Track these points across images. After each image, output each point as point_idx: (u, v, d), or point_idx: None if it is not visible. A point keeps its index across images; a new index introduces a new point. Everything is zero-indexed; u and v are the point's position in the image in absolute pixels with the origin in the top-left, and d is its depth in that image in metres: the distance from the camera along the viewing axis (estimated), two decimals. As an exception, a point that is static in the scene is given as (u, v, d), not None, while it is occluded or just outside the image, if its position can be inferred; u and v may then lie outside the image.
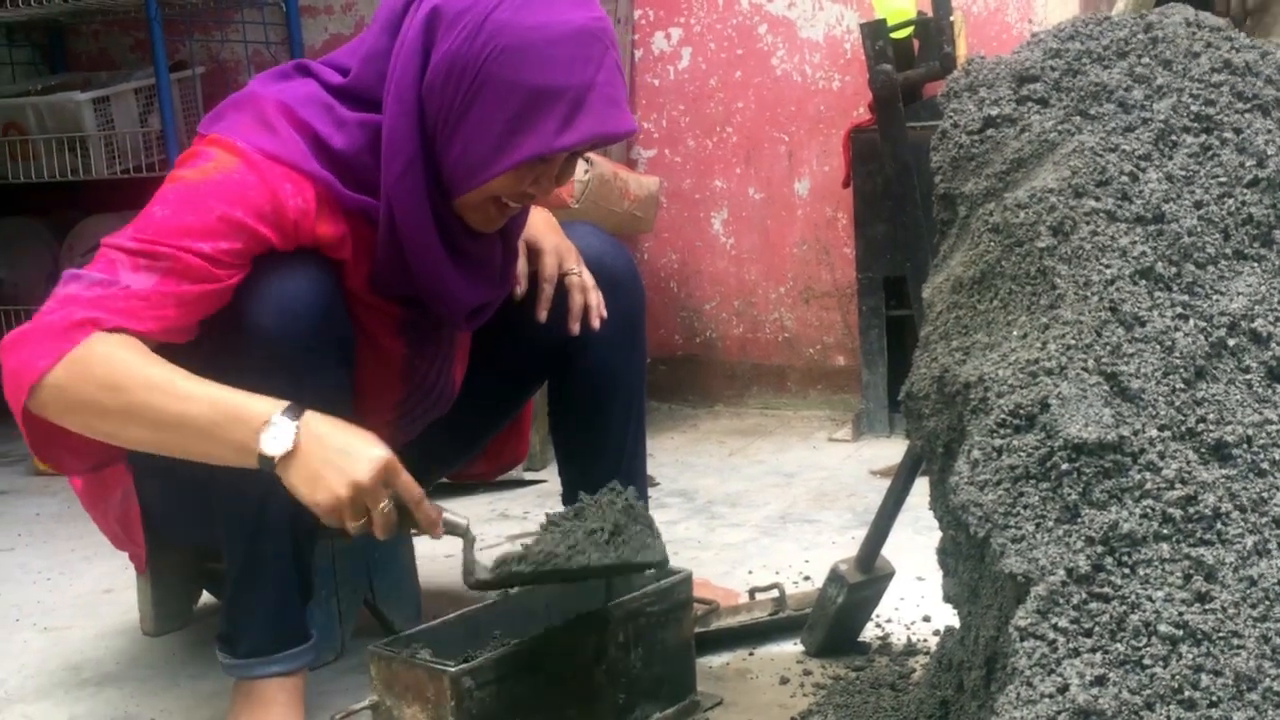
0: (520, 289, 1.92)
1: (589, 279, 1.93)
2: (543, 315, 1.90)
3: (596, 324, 1.91)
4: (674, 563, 2.20)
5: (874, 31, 3.04)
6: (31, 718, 1.92)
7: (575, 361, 1.96)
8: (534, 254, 1.94)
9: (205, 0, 3.57)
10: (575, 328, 1.90)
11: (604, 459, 2.01)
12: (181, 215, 1.59)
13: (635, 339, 2.00)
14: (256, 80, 1.74)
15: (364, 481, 1.48)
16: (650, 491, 2.20)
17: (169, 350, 1.57)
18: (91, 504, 1.93)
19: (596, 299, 1.92)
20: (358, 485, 1.48)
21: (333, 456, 1.49)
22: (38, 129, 3.65)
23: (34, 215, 4.06)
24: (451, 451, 2.08)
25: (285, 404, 1.51)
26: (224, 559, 1.74)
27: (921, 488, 1.62)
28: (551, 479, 2.98)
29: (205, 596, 2.23)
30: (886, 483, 2.87)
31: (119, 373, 1.50)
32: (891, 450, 3.10)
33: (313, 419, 1.51)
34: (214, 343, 1.62)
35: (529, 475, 3.07)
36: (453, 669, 1.52)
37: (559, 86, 1.58)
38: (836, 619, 1.92)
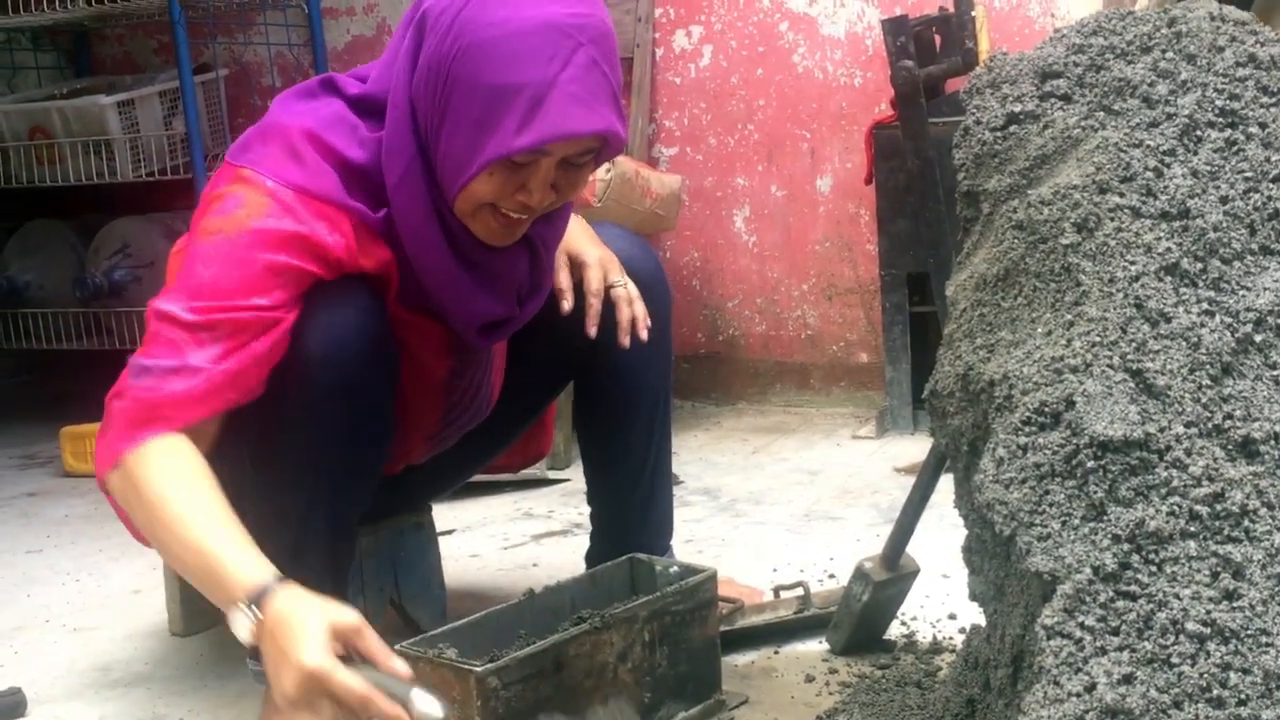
0: (567, 304, 1.87)
1: (633, 289, 1.89)
2: (592, 331, 1.86)
3: (645, 336, 1.88)
4: (698, 561, 2.20)
5: (896, 28, 3.04)
6: (61, 718, 1.93)
7: (602, 361, 1.96)
8: (577, 266, 1.89)
9: (228, 3, 3.59)
10: (626, 341, 1.87)
11: (630, 459, 2.01)
12: (229, 273, 1.56)
13: (662, 340, 2.00)
14: (281, 101, 1.71)
15: (289, 695, 1.35)
16: (674, 490, 2.20)
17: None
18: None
19: (642, 310, 1.89)
20: (286, 698, 1.36)
21: (274, 660, 1.38)
22: (63, 133, 3.68)
23: (60, 218, 4.09)
24: (480, 453, 2.09)
25: (257, 583, 1.43)
26: None
27: (946, 485, 1.61)
28: (575, 478, 2.98)
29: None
30: (911, 480, 2.87)
31: (149, 496, 1.51)
32: (915, 447, 3.09)
33: (274, 608, 1.40)
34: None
35: (552, 474, 3.08)
36: (479, 668, 1.52)
37: (516, 84, 1.52)
38: (862, 617, 1.92)
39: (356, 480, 1.75)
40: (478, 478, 2.32)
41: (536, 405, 2.09)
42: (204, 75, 3.71)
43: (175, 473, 1.53)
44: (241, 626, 1.43)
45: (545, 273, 1.83)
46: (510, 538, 2.66)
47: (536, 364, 2.00)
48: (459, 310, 1.73)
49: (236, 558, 1.46)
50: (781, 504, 2.80)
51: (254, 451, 1.69)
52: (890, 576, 1.91)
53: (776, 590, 2.07)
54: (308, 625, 1.37)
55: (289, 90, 1.74)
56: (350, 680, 1.33)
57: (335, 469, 1.70)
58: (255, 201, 1.60)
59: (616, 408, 1.99)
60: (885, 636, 1.99)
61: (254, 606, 1.42)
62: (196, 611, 2.19)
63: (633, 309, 1.88)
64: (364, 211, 1.64)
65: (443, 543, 2.21)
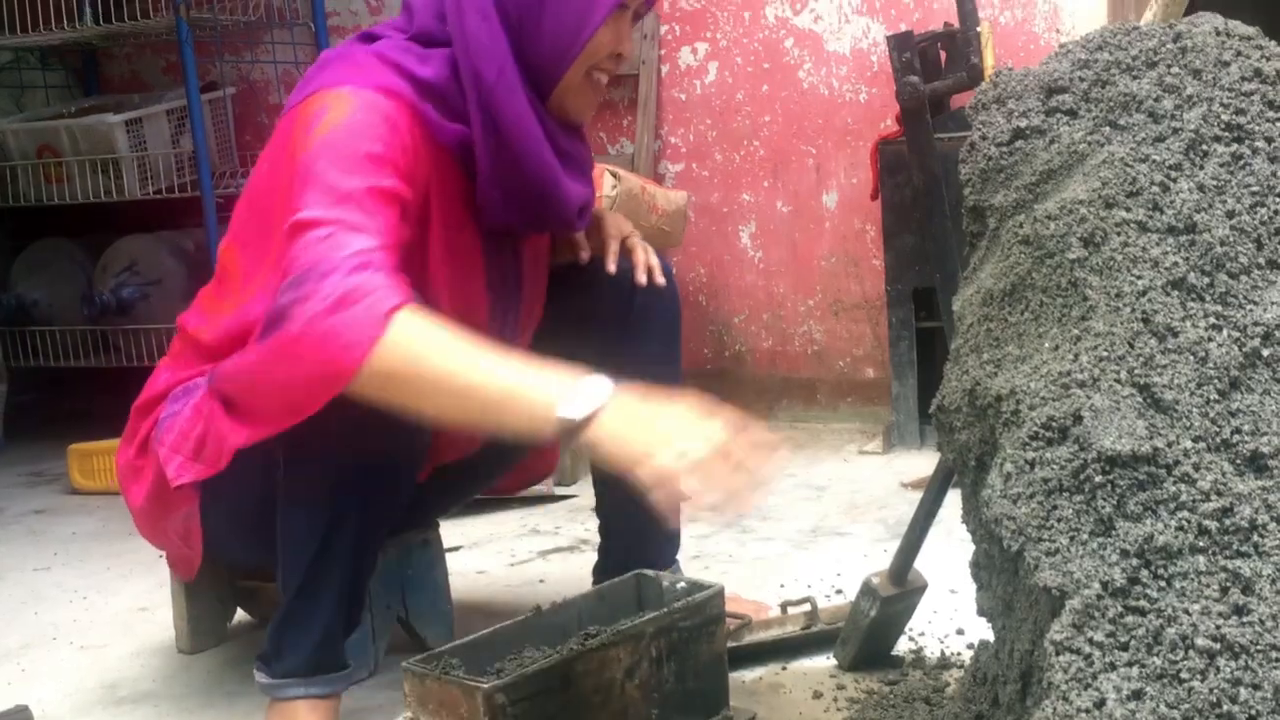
0: (585, 254, 2.00)
1: (648, 246, 2.03)
2: (612, 267, 1.98)
3: (662, 281, 1.99)
4: (705, 577, 2.20)
5: (901, 43, 3.05)
6: (69, 736, 1.94)
7: (612, 371, 1.97)
8: (595, 225, 2.01)
9: (235, 22, 3.61)
10: (643, 278, 1.98)
11: None
12: (340, 166, 1.60)
13: (672, 349, 2.02)
14: (328, 52, 1.82)
15: (700, 451, 1.38)
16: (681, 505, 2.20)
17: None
18: (150, 522, 1.94)
19: (656, 261, 2.01)
20: (690, 456, 1.38)
21: (654, 442, 1.41)
22: (71, 151, 3.70)
23: (68, 236, 4.10)
24: (489, 468, 2.10)
25: (554, 383, 1.46)
26: (280, 580, 1.75)
27: (954, 500, 1.61)
28: (582, 494, 2.98)
29: (240, 614, 2.24)
30: (918, 495, 2.86)
31: (426, 367, 1.46)
32: (923, 462, 3.09)
33: (617, 402, 1.45)
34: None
35: (559, 490, 3.07)
36: (486, 685, 1.52)
37: None
38: (870, 633, 1.91)
39: (387, 502, 1.75)
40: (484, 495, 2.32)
41: None
42: (211, 94, 3.73)
43: (438, 340, 1.48)
44: (579, 406, 1.41)
45: (592, 162, 1.96)
46: (517, 554, 2.66)
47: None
48: (560, 195, 1.80)
49: (523, 383, 1.45)
50: (789, 519, 2.80)
51: (288, 460, 1.69)
52: (898, 592, 1.90)
53: (784, 606, 2.07)
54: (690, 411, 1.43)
55: (336, 46, 1.84)
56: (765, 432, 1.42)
57: (367, 489, 1.71)
58: (339, 104, 1.66)
59: None
60: (893, 652, 1.98)
61: (572, 382, 1.43)
62: (204, 629, 2.19)
63: (648, 256, 2.00)
64: (430, 114, 1.71)
65: (450, 559, 2.20)
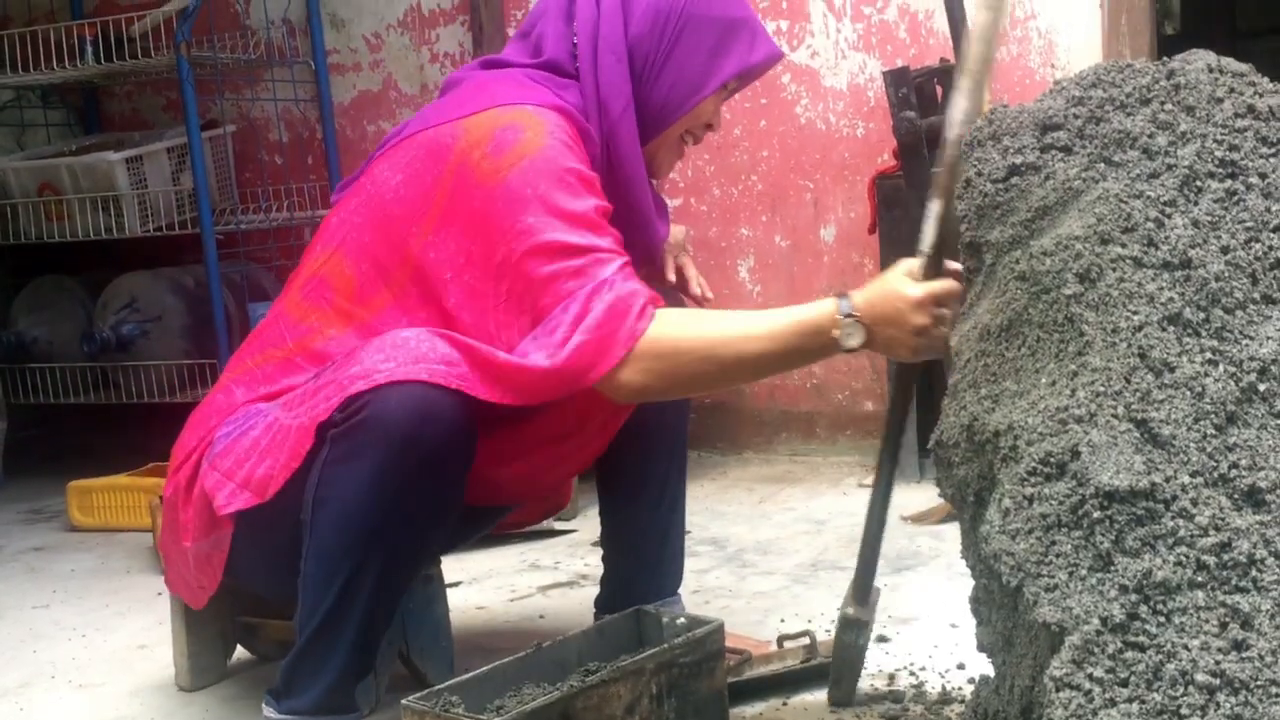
0: (671, 275, 2.12)
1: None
2: (671, 276, 2.10)
3: (711, 295, 2.13)
4: (705, 612, 2.20)
5: (897, 79, 3.07)
6: (68, 775, 1.93)
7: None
8: None
9: (235, 60, 3.63)
10: (697, 290, 2.12)
11: (646, 502, 2.03)
12: (559, 187, 1.74)
13: None
14: (463, 73, 1.95)
15: (918, 324, 1.66)
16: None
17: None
18: (171, 540, 1.94)
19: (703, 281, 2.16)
20: (917, 329, 1.66)
21: (895, 332, 1.68)
22: (72, 189, 3.71)
23: (68, 273, 4.11)
24: (502, 507, 2.11)
25: (832, 303, 1.70)
26: (298, 618, 1.75)
27: (953, 533, 1.61)
28: (582, 529, 2.98)
29: (240, 651, 2.24)
30: (918, 529, 2.87)
31: (698, 340, 1.72)
32: (922, 496, 3.09)
33: (862, 309, 1.69)
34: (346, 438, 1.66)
35: (560, 525, 3.07)
36: (486, 723, 1.52)
37: (742, 18, 1.90)
38: (862, 661, 1.91)
39: (410, 557, 1.76)
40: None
41: None
42: (211, 131, 3.75)
43: (698, 316, 1.78)
44: (852, 336, 1.68)
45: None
46: (517, 589, 2.66)
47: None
48: (651, 224, 1.96)
49: (804, 311, 1.72)
50: (788, 554, 2.79)
51: (317, 504, 1.69)
52: (872, 611, 1.92)
53: (780, 640, 2.06)
54: (894, 283, 1.68)
55: (458, 73, 1.97)
56: (945, 281, 1.65)
57: (391, 544, 1.71)
58: (534, 125, 1.78)
59: (636, 450, 2.01)
60: (895, 686, 1.98)
61: (847, 317, 1.68)
62: (203, 666, 2.18)
63: (697, 272, 2.15)
64: (592, 138, 1.85)
65: (450, 595, 2.20)
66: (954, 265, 1.66)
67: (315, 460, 1.69)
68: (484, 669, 1.69)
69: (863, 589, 1.89)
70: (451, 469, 1.71)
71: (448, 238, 1.76)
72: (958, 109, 1.65)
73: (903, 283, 1.67)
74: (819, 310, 1.70)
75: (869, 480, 3.31)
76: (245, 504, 1.76)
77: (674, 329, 1.71)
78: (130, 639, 2.49)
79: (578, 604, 2.46)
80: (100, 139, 4.13)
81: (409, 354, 1.66)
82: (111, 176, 3.64)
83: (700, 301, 2.13)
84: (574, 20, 1.89)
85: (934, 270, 1.68)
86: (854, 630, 1.89)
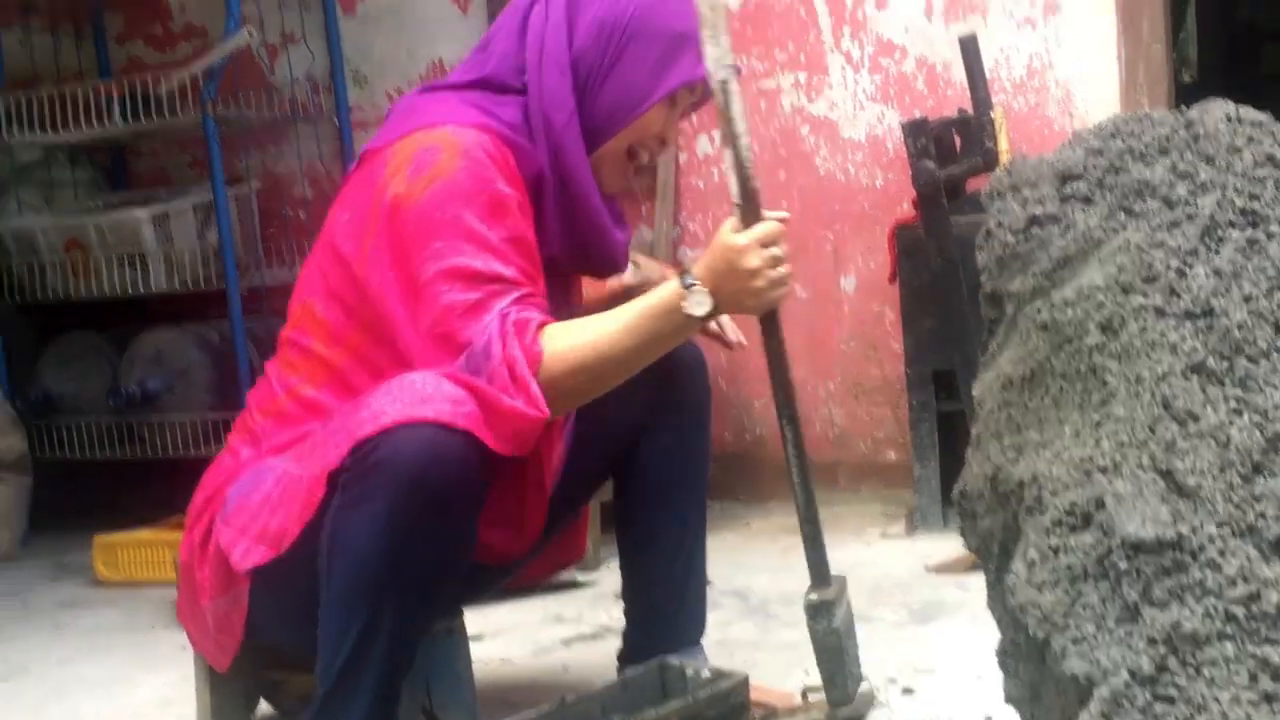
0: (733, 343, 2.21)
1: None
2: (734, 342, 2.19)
3: (745, 342, 2.16)
4: (729, 664, 2.19)
5: (916, 130, 3.09)
6: (92, 832, 1.92)
7: (644, 443, 2.00)
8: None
9: (260, 118, 3.67)
10: (733, 338, 2.18)
11: (666, 550, 2.03)
12: (468, 209, 1.76)
13: (702, 430, 2.05)
14: (405, 100, 1.97)
15: (756, 266, 1.75)
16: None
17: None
18: (189, 602, 1.94)
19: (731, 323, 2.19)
20: (756, 272, 1.75)
21: (734, 286, 1.77)
22: (99, 246, 3.75)
23: (95, 329, 4.15)
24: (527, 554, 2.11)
25: (675, 282, 1.78)
26: (317, 673, 1.75)
27: (979, 584, 1.61)
28: (605, 581, 2.97)
29: (264, 706, 2.23)
30: (943, 579, 2.85)
31: (584, 347, 1.76)
32: (946, 545, 3.07)
33: (701, 275, 1.77)
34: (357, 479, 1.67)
35: (582, 577, 3.06)
36: (512, 778, 1.51)
37: (689, 31, 1.86)
38: (848, 649, 1.89)
39: (426, 600, 1.76)
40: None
41: (575, 501, 2.10)
42: (237, 188, 3.79)
43: (578, 325, 1.79)
44: (701, 304, 1.76)
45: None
46: (540, 642, 2.65)
47: (576, 456, 2.01)
48: (606, 235, 1.96)
49: (652, 298, 1.78)
50: (813, 605, 2.78)
51: (330, 555, 1.70)
52: (836, 588, 1.89)
53: (805, 693, 2.05)
54: (720, 240, 1.77)
55: (400, 100, 1.99)
56: (765, 224, 1.76)
57: (407, 588, 1.71)
58: (451, 146, 1.79)
59: (656, 498, 2.01)
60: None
61: (689, 288, 1.75)
62: (227, 722, 2.18)
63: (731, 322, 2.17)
64: (527, 151, 1.86)
65: (473, 647, 2.19)
66: (774, 213, 1.79)
67: (328, 508, 1.70)
68: (508, 723, 1.69)
69: (818, 570, 1.85)
70: (462, 508, 1.71)
71: (384, 268, 1.79)
72: (709, 58, 1.78)
73: (728, 237, 1.77)
74: (665, 291, 1.78)
75: (892, 530, 3.32)
76: (262, 558, 1.77)
77: (561, 347, 1.74)
78: (154, 694, 2.49)
79: (601, 657, 2.45)
80: (127, 196, 4.17)
81: (415, 395, 1.67)
82: (138, 233, 3.68)
83: (735, 348, 2.18)
84: (526, 35, 1.91)
85: (752, 217, 1.77)
86: (821, 615, 1.85)
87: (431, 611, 1.80)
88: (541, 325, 1.75)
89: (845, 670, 1.88)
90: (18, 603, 3.29)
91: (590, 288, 2.17)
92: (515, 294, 1.75)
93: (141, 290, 3.71)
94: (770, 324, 1.87)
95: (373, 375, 1.81)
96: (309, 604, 1.73)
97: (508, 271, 1.76)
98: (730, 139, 1.77)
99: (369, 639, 1.70)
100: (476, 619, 2.58)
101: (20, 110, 3.68)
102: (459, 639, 2.14)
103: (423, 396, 1.66)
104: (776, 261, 1.77)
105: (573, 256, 1.96)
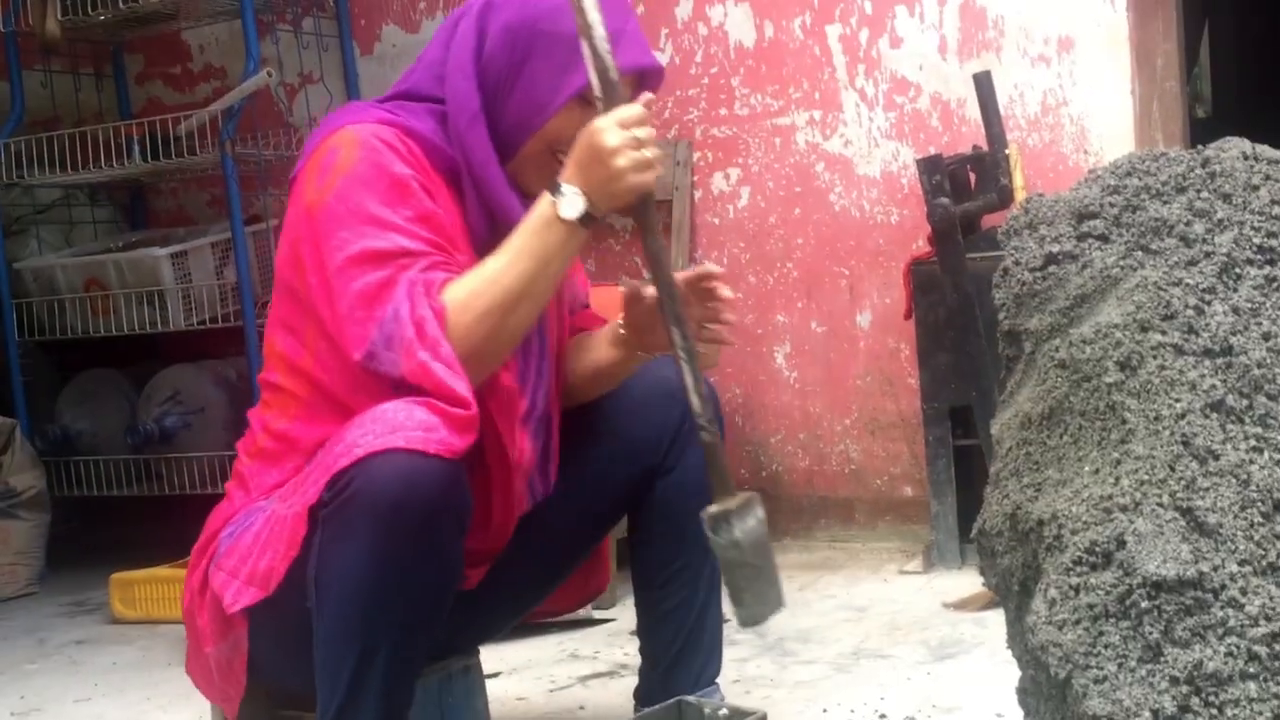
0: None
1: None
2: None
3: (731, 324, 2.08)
4: (746, 702, 2.18)
5: (931, 166, 3.10)
6: None
7: (661, 484, 1.99)
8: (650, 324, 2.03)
9: (279, 156, 3.70)
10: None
11: (682, 589, 2.02)
12: (370, 194, 1.77)
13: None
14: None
15: (614, 146, 1.72)
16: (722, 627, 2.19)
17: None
18: (195, 651, 1.94)
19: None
20: (615, 153, 1.73)
21: (599, 173, 1.74)
22: (118, 284, 3.77)
23: (113, 367, 4.17)
24: (534, 589, 2.11)
25: (547, 197, 1.76)
26: (319, 711, 1.74)
27: (998, 620, 1.60)
28: (621, 618, 2.96)
29: (280, 745, 2.23)
30: (960, 616, 2.84)
31: (481, 285, 1.74)
32: (964, 582, 3.06)
33: (569, 176, 1.76)
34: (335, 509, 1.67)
35: (598, 614, 3.05)
36: (530, 818, 1.50)
37: None
38: (756, 565, 1.78)
39: (420, 628, 1.74)
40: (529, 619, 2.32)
41: (591, 536, 2.10)
42: (255, 226, 3.81)
43: (472, 271, 1.77)
44: (572, 204, 1.75)
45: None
46: (557, 680, 2.64)
47: (592, 491, 2.02)
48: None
49: (526, 222, 1.77)
50: (830, 642, 2.77)
51: (318, 590, 1.69)
52: (741, 500, 1.79)
53: (826, 731, 2.04)
54: (582, 135, 1.75)
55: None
56: (626, 106, 1.74)
57: (398, 618, 1.70)
58: (347, 144, 1.80)
59: (671, 539, 2.00)
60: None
61: (558, 191, 1.75)
62: (244, 761, 2.17)
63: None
64: (434, 144, 1.85)
65: (489, 686, 2.19)
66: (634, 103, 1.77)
67: (313, 545, 1.70)
68: (526, 762, 1.68)
69: (720, 482, 1.79)
70: (445, 533, 1.70)
71: (309, 275, 1.80)
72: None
73: (588, 128, 1.75)
74: (539, 205, 1.77)
75: (909, 566, 3.31)
76: (251, 600, 1.77)
77: (461, 294, 1.73)
78: (171, 733, 2.49)
79: (618, 694, 2.45)
80: (146, 235, 4.20)
81: (386, 424, 1.67)
82: (157, 272, 3.70)
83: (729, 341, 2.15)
84: (449, 45, 1.92)
85: (612, 106, 1.76)
86: (721, 527, 1.76)
87: (427, 641, 1.78)
88: (445, 283, 1.75)
89: (753, 588, 1.78)
90: (34, 640, 3.30)
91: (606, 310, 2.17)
92: (423, 263, 1.75)
93: (160, 328, 3.73)
94: (644, 216, 1.81)
95: (328, 397, 1.82)
96: (305, 643, 1.73)
97: (413, 245, 1.76)
98: (584, 30, 1.74)
99: (365, 674, 1.69)
100: (493, 657, 2.58)
101: (41, 150, 3.72)
102: (475, 677, 2.13)
103: (394, 425, 1.66)
104: (639, 143, 1.73)
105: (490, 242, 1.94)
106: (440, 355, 1.70)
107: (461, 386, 1.69)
